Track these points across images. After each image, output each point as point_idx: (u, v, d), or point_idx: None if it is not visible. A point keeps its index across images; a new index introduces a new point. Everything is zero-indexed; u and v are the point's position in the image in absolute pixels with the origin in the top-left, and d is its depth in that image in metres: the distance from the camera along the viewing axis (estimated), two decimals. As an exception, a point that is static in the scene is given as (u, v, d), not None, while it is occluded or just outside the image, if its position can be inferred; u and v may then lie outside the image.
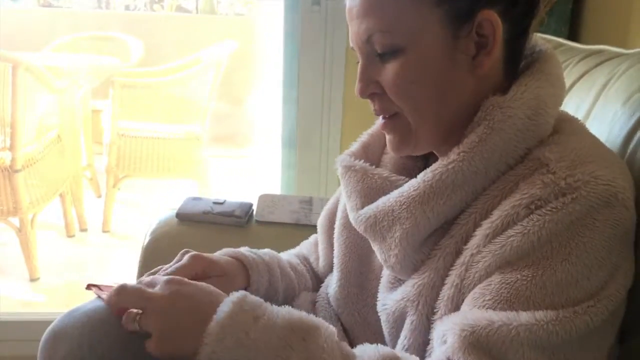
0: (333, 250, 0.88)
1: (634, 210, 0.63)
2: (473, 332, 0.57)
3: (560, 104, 0.70)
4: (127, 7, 5.76)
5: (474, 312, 0.59)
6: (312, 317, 0.63)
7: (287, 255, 0.96)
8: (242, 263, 0.83)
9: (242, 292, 0.63)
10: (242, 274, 0.82)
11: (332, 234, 0.88)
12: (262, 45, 3.74)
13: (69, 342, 0.70)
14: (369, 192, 0.74)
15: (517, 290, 0.58)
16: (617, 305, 0.61)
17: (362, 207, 0.73)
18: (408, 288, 0.69)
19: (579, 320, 0.57)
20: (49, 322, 0.76)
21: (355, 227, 0.75)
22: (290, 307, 0.64)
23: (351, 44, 0.71)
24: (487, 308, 0.59)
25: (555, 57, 0.72)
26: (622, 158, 0.72)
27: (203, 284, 0.65)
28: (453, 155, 0.65)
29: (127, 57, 3.57)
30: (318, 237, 0.95)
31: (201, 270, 0.78)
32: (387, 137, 0.73)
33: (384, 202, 0.70)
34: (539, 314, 0.57)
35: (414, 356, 0.64)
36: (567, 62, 0.97)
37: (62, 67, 2.58)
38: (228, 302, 0.61)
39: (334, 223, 0.88)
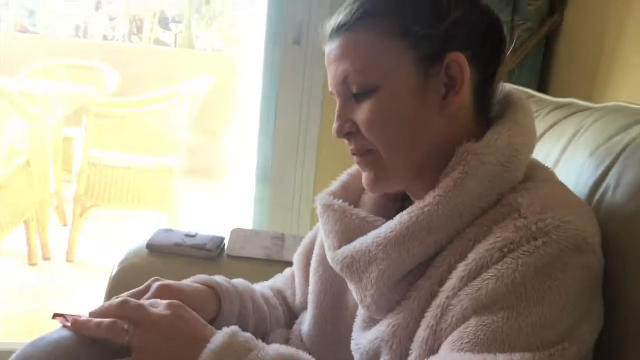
0: (308, 282, 0.89)
1: (602, 256, 0.65)
2: None
3: (531, 153, 0.72)
4: (105, 37, 5.78)
5: (453, 355, 0.60)
6: (300, 353, 0.66)
7: (261, 288, 0.95)
8: (214, 291, 0.82)
9: (235, 327, 0.67)
10: (213, 304, 0.82)
11: (309, 269, 0.89)
12: (241, 81, 3.77)
13: None
14: (346, 232, 0.75)
15: (494, 333, 0.59)
16: (589, 349, 0.62)
17: (340, 247, 0.74)
18: (383, 328, 0.70)
19: None
20: (4, 352, 0.74)
21: (333, 266, 0.76)
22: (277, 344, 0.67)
23: (330, 89, 0.74)
24: (465, 351, 0.60)
25: (528, 106, 0.75)
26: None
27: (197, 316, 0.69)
28: (429, 198, 0.67)
29: (103, 86, 3.57)
30: (295, 272, 0.95)
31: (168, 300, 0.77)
32: (363, 174, 0.75)
33: (361, 242, 0.72)
34: (516, 357, 0.58)
35: None
36: (537, 113, 1.00)
37: (36, 93, 2.56)
38: (223, 334, 0.65)
39: (310, 259, 0.89)
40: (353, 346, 0.76)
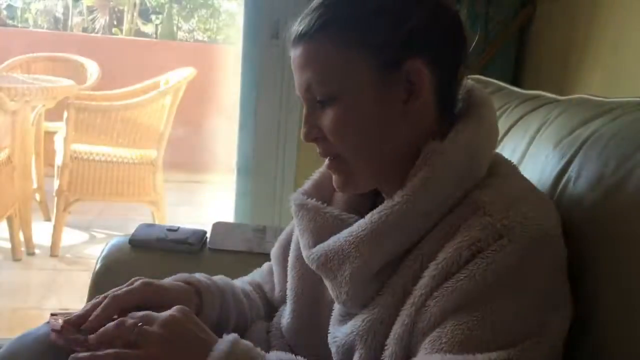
0: (285, 278, 0.91)
1: (564, 246, 0.69)
2: None
3: (494, 148, 0.76)
4: (84, 29, 5.72)
5: (433, 356, 0.63)
6: (297, 358, 0.70)
7: (241, 283, 0.97)
8: (195, 288, 0.85)
9: (235, 335, 0.69)
10: (194, 301, 0.84)
11: (286, 265, 0.91)
12: (221, 73, 3.77)
13: None
14: (320, 231, 0.77)
15: (470, 333, 0.62)
16: (561, 339, 0.66)
17: (314, 245, 0.77)
18: (358, 322, 0.73)
19: (528, 357, 0.61)
20: (-6, 348, 0.76)
21: (308, 264, 0.78)
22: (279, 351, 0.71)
23: (297, 92, 0.76)
24: (444, 351, 0.63)
25: (489, 101, 0.78)
26: (552, 197, 0.78)
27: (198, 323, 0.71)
28: (397, 197, 0.70)
29: (83, 79, 3.55)
30: (273, 267, 0.97)
31: (149, 297, 0.79)
32: (333, 176, 0.78)
33: (334, 241, 0.74)
34: (493, 356, 0.61)
35: None
36: (506, 106, 1.04)
37: (15, 87, 2.54)
38: (226, 341, 0.67)
39: (287, 254, 0.91)
40: (330, 339, 0.78)
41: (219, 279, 0.91)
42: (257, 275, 1.02)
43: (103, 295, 0.78)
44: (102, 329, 0.69)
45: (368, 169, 0.74)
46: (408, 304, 0.67)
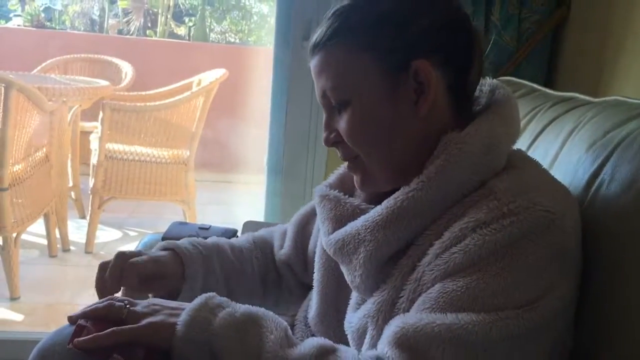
0: (294, 247, 0.99)
1: (575, 236, 0.70)
2: (402, 328, 0.64)
3: (513, 142, 0.77)
4: (120, 31, 5.83)
5: (411, 315, 0.67)
6: (267, 311, 0.73)
7: (243, 240, 1.05)
8: (176, 255, 0.92)
9: (211, 293, 0.74)
10: (178, 266, 0.91)
11: (298, 233, 1.00)
12: (252, 74, 3.81)
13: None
14: (340, 219, 0.80)
15: (451, 298, 0.65)
16: (547, 320, 0.65)
17: (333, 232, 0.80)
18: (369, 305, 0.75)
19: (500, 324, 0.63)
20: (27, 342, 0.79)
21: (327, 250, 0.81)
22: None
23: (317, 99, 0.81)
24: (421, 311, 0.66)
25: (512, 100, 0.79)
26: (585, 200, 0.78)
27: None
28: (413, 184, 0.72)
29: (118, 80, 3.62)
30: (289, 230, 1.03)
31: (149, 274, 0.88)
32: (354, 177, 0.82)
33: (351, 226, 0.77)
34: (463, 316, 0.63)
35: (353, 350, 0.71)
36: (538, 108, 1.03)
37: (53, 88, 2.61)
38: (201, 297, 0.73)
39: (302, 225, 1.00)
40: (346, 326, 0.81)
41: (207, 242, 0.97)
42: (272, 231, 1.09)
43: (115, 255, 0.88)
44: (91, 307, 0.74)
45: (385, 167, 0.77)
46: (411, 279, 0.70)
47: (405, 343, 0.63)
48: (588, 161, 0.80)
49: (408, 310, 0.69)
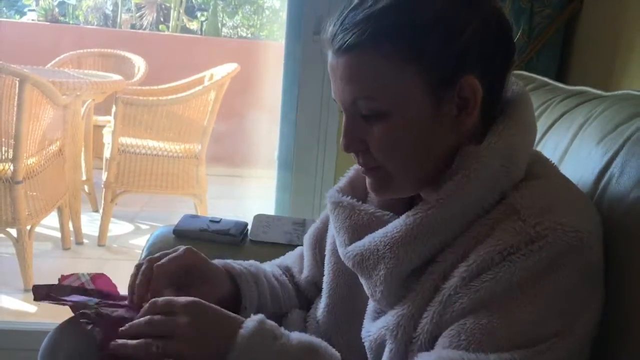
0: (316, 266, 0.94)
1: (601, 249, 0.68)
2: None
3: (531, 149, 0.75)
4: (133, 26, 5.86)
5: (448, 352, 0.64)
6: (320, 341, 0.71)
7: (270, 267, 1.00)
8: (229, 274, 0.88)
9: (260, 315, 0.71)
10: (228, 285, 0.87)
11: (316, 252, 0.94)
12: (263, 68, 3.81)
13: (68, 350, 0.75)
14: (356, 229, 0.78)
15: (488, 332, 0.63)
16: (583, 341, 0.65)
17: (350, 244, 0.78)
18: (389, 317, 0.73)
19: (541, 358, 0.62)
20: (42, 332, 0.80)
21: (344, 262, 0.79)
22: (298, 331, 0.73)
23: (333, 96, 0.73)
24: (460, 348, 0.64)
25: (527, 99, 0.76)
26: (594, 195, 0.77)
27: (217, 307, 0.72)
28: (432, 201, 0.70)
29: (130, 75, 3.64)
30: (304, 253, 0.99)
31: (192, 263, 0.83)
32: (367, 180, 0.76)
33: (369, 240, 0.75)
34: (505, 356, 0.61)
35: None
36: (549, 102, 1.02)
37: (67, 82, 2.63)
38: (253, 320, 0.69)
39: (318, 242, 0.94)
40: (364, 334, 0.79)
41: (250, 264, 0.93)
42: (288, 258, 1.04)
43: (150, 258, 0.82)
44: (133, 324, 0.70)
45: (410, 179, 0.73)
46: (436, 301, 0.68)
47: None
48: (598, 155, 0.80)
49: (431, 332, 0.68)
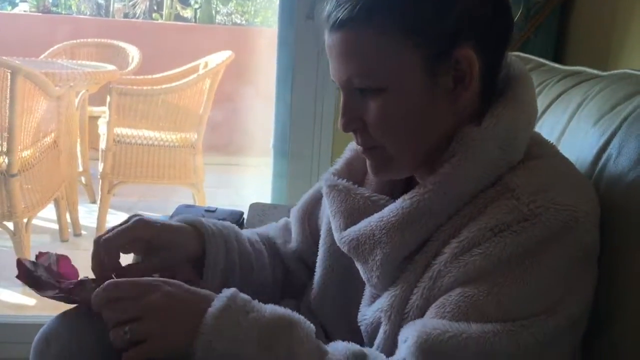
0: (304, 241, 0.93)
1: (597, 230, 0.67)
2: (428, 339, 0.62)
3: (531, 130, 0.73)
4: (126, 15, 5.81)
5: (433, 321, 0.64)
6: (294, 313, 0.68)
7: (249, 232, 0.97)
8: (197, 230, 0.84)
9: (234, 289, 0.68)
10: (195, 243, 0.83)
11: (306, 227, 0.93)
12: (258, 55, 3.78)
13: (60, 343, 0.74)
14: (352, 213, 0.77)
15: (474, 304, 0.63)
16: (573, 322, 0.65)
17: (346, 228, 0.77)
18: (383, 299, 0.73)
19: (526, 333, 0.61)
20: (40, 326, 0.80)
21: (340, 247, 0.78)
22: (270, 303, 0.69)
23: (332, 77, 0.73)
24: (445, 318, 0.64)
25: (528, 80, 0.75)
26: (592, 175, 0.76)
27: (185, 285, 0.69)
28: (429, 184, 0.69)
29: (124, 64, 3.61)
30: (292, 223, 0.97)
31: (145, 238, 0.80)
32: (368, 162, 0.76)
33: (365, 225, 0.74)
34: (488, 327, 0.61)
35: (382, 355, 0.68)
36: (546, 82, 1.01)
37: (60, 73, 2.61)
38: (222, 297, 0.66)
39: (308, 216, 0.93)
40: (360, 318, 0.79)
41: (224, 224, 0.89)
42: (270, 228, 1.02)
43: (94, 240, 0.80)
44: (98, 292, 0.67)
45: (409, 158, 0.72)
46: (426, 277, 0.68)
47: (431, 353, 0.62)
48: (595, 135, 0.79)
49: (421, 308, 0.68)
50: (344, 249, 0.77)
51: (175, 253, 0.82)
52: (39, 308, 2.24)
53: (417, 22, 0.66)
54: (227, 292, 0.67)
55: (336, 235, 0.79)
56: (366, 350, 0.68)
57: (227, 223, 0.91)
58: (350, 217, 0.77)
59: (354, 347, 0.67)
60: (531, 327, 0.62)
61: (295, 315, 0.68)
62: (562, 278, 0.64)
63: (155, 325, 0.64)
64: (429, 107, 0.69)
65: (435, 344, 0.62)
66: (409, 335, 0.65)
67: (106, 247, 0.78)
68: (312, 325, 0.68)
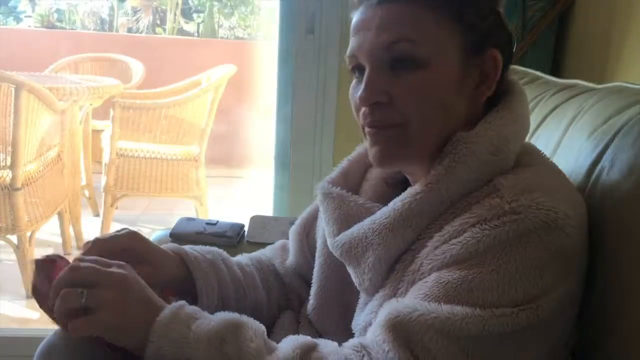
0: (302, 255, 0.94)
1: (578, 237, 0.68)
2: (397, 316, 0.64)
3: (522, 140, 0.76)
4: (129, 30, 5.86)
5: (406, 300, 0.67)
6: (242, 315, 0.70)
7: (240, 257, 0.97)
8: (181, 259, 0.84)
9: (181, 302, 0.70)
10: (174, 268, 0.83)
11: (304, 242, 0.94)
12: (260, 69, 3.81)
13: (61, 356, 0.76)
14: (345, 219, 0.78)
15: (446, 289, 0.65)
16: (544, 321, 0.65)
17: (339, 234, 0.78)
18: (374, 302, 0.75)
19: (494, 322, 0.62)
20: (42, 339, 0.80)
21: (333, 252, 0.80)
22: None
23: (349, 53, 0.74)
24: (418, 299, 0.66)
25: (521, 92, 0.78)
26: (585, 187, 0.77)
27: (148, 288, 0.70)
28: (421, 186, 0.71)
29: (128, 78, 3.64)
30: (290, 243, 0.98)
31: (137, 249, 0.80)
32: (373, 149, 0.74)
33: (357, 229, 0.75)
34: (458, 309, 0.63)
35: (333, 342, 0.69)
36: (541, 95, 1.02)
37: (64, 87, 2.64)
38: (171, 307, 0.68)
39: (306, 232, 0.94)
40: (353, 325, 0.80)
41: (208, 251, 0.89)
42: (266, 251, 1.03)
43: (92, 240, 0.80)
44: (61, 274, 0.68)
45: (425, 141, 0.72)
46: (410, 271, 0.70)
47: (399, 328, 0.64)
48: (589, 148, 0.80)
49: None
50: (337, 254, 0.78)
51: (160, 272, 0.82)
52: (42, 322, 2.25)
53: (464, 12, 0.71)
54: (177, 303, 0.69)
55: (329, 241, 0.80)
56: (317, 340, 0.69)
57: (212, 248, 0.91)
58: (344, 223, 0.78)
59: (304, 338, 0.69)
60: (501, 317, 0.63)
61: (243, 317, 0.70)
62: (537, 275, 0.64)
63: (110, 296, 0.66)
64: (455, 95, 0.72)
65: (404, 321, 0.64)
66: (381, 315, 0.67)
67: (98, 247, 0.78)
68: (261, 325, 0.69)
